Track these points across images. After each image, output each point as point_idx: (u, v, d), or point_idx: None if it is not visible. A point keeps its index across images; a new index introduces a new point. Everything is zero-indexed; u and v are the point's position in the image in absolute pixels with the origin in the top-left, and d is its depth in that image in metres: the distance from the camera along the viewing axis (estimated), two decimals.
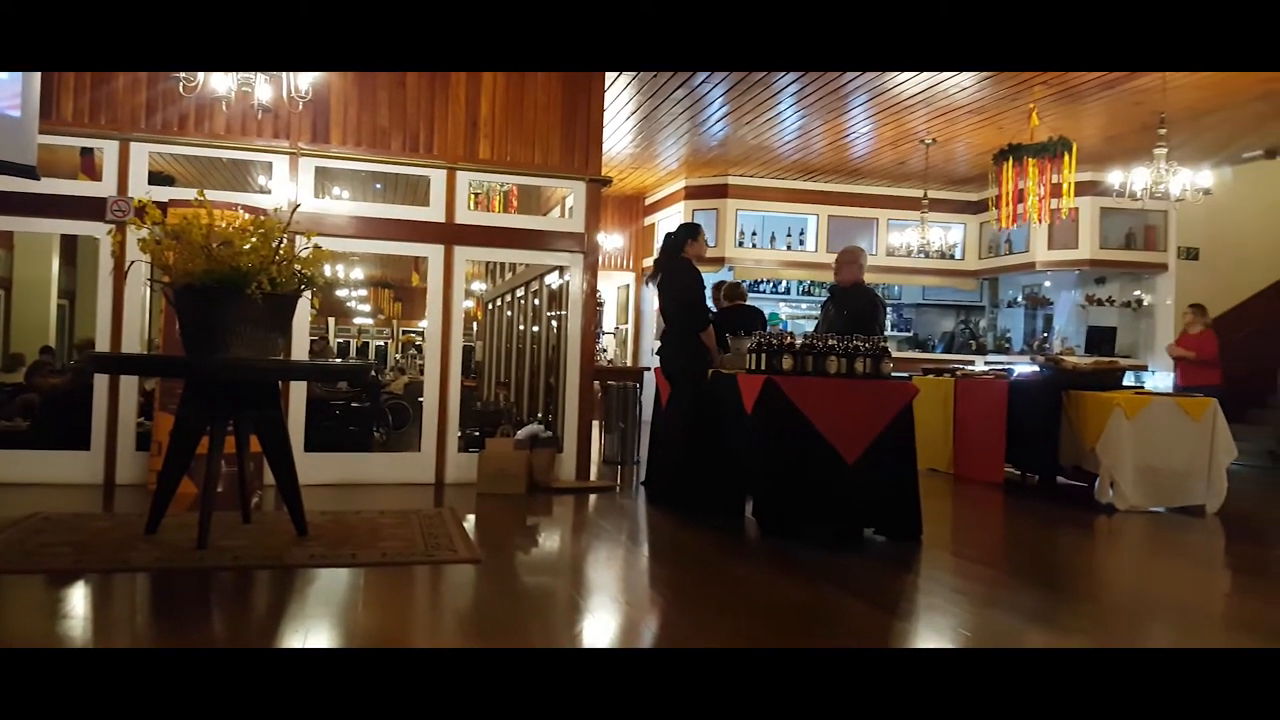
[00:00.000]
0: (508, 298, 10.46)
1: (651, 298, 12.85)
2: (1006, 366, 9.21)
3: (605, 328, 13.10)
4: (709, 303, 6.09)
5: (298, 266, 4.13)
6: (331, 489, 5.78)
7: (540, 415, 7.81)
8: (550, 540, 5.00)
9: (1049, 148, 7.56)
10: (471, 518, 5.19)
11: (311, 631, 3.02)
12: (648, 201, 12.92)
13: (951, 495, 6.93)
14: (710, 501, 5.37)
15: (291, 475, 4.26)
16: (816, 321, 6.47)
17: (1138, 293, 10.75)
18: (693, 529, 5.03)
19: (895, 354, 6.54)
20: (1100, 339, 10.33)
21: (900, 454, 4.83)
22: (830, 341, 4.92)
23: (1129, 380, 7.63)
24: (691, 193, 11.64)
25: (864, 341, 4.92)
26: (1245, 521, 6.14)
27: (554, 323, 7.69)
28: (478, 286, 13.18)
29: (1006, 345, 12.09)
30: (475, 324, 14.37)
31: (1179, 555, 5.20)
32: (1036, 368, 7.47)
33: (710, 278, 7.64)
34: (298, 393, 6.10)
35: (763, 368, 4.95)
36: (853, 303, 5.94)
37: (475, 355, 13.57)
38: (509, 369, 10.17)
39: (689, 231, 5.91)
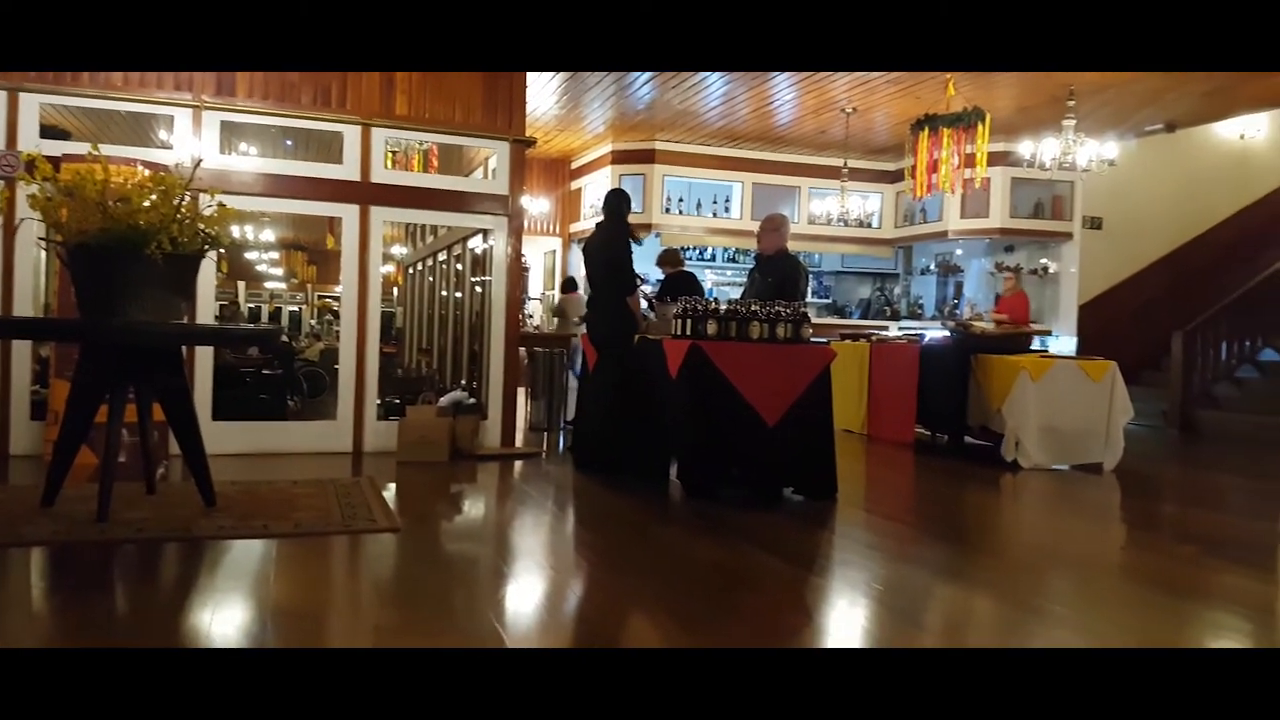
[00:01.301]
0: (429, 262, 10.25)
1: (580, 263, 12.78)
2: (919, 332, 9.46)
3: (531, 293, 12.96)
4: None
5: (201, 226, 3.95)
6: (242, 459, 5.61)
7: (464, 382, 7.71)
8: (474, 507, 4.96)
9: (963, 118, 7.73)
10: (392, 486, 5.10)
11: (221, 606, 2.93)
12: (574, 165, 12.78)
13: (865, 455, 7.13)
14: (636, 466, 5.40)
15: (197, 444, 4.11)
16: (743, 288, 6.53)
17: (1044, 261, 11.14)
18: (618, 493, 5.05)
19: (815, 320, 6.64)
20: None
21: (818, 416, 4.95)
22: (754, 307, 4.99)
23: (1035, 344, 7.93)
24: (619, 157, 11.55)
25: (785, 307, 5.00)
26: (1140, 478, 6.47)
27: (478, 288, 7.57)
28: (398, 250, 12.87)
29: (919, 311, 12.43)
30: (396, 289, 14.05)
31: (1079, 510, 5.45)
32: (947, 333, 7.70)
33: (652, 245, 7.63)
34: (204, 359, 5.87)
35: (688, 333, 4.98)
36: (777, 270, 6.00)
37: (396, 321, 13.29)
38: (431, 335, 9.99)
39: (629, 199, 5.87)
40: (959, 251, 12.02)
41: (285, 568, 3.38)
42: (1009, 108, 9.07)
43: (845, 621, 3.07)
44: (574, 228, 12.83)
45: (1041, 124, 9.11)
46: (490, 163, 7.11)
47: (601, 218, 5.88)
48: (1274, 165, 10.69)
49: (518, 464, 5.98)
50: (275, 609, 2.89)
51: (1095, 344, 9.58)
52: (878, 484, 6.20)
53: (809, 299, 11.91)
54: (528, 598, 3.19)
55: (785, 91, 9.04)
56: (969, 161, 7.84)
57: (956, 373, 6.99)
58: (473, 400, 6.38)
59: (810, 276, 9.61)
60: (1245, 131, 10.79)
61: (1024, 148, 8.23)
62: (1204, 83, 8.06)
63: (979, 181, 8.29)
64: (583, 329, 6.16)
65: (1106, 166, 8.11)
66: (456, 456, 5.92)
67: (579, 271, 12.64)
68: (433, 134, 6.69)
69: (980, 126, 7.61)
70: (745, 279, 6.69)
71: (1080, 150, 7.81)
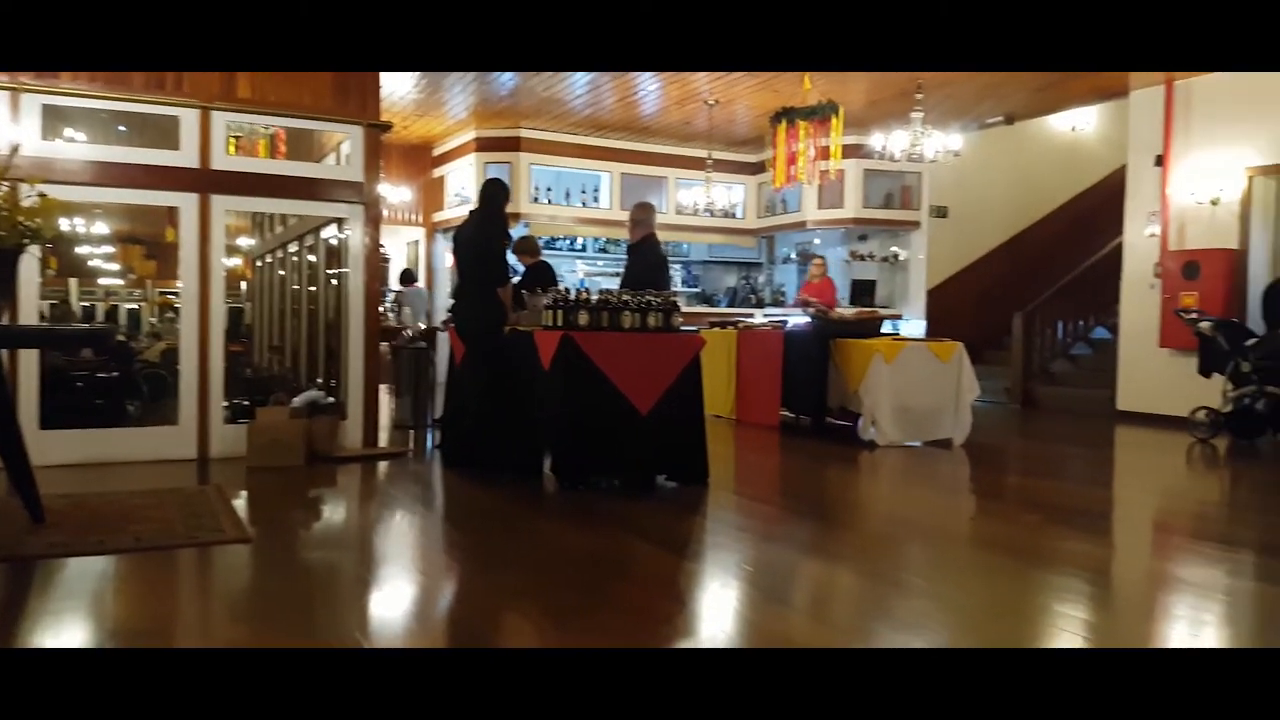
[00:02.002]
0: (280, 254, 9.75)
1: (444, 253, 12.46)
2: (782, 318, 9.74)
3: (394, 285, 12.55)
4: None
5: (20, 218, 3.60)
6: (74, 470, 5.17)
7: (321, 381, 7.38)
8: (334, 513, 4.75)
9: (818, 110, 7.97)
10: (243, 494, 4.82)
11: (54, 630, 2.68)
12: (436, 152, 12.43)
13: (734, 439, 7.28)
14: (508, 461, 5.31)
15: (22, 455, 3.75)
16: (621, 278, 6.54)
17: (895, 249, 11.67)
18: (490, 490, 4.95)
19: (684, 309, 6.73)
20: (862, 291, 11.15)
21: (689, 403, 5.00)
22: (624, 297, 4.99)
23: (887, 328, 8.30)
24: (483, 144, 11.32)
25: (656, 297, 5.03)
26: (987, 451, 6.88)
27: (334, 281, 7.25)
28: (246, 242, 12.19)
29: (782, 299, 12.79)
30: (245, 283, 13.32)
31: (931, 484, 5.74)
32: (808, 319, 7.95)
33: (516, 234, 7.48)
34: (29, 362, 5.38)
35: (560, 324, 4.93)
36: (641, 259, 6.02)
37: (246, 317, 12.59)
38: (284, 332, 9.51)
39: (506, 189, 5.75)
40: (817, 241, 12.43)
41: (125, 586, 3.13)
42: (861, 101, 9.42)
43: (716, 605, 3.11)
44: (437, 217, 12.49)
45: (891, 117, 9.51)
46: (344, 148, 6.81)
47: (474, 205, 5.74)
48: (1102, 156, 11.51)
49: (382, 465, 5.77)
50: (115, 630, 2.67)
51: (943, 326, 10.12)
52: (746, 467, 6.34)
53: (678, 287, 12.10)
54: (393, 604, 3.08)
55: (649, 82, 9.08)
56: (824, 154, 8.10)
57: (817, 357, 7.24)
58: (330, 399, 6.11)
59: (669, 265, 9.72)
60: (1076, 124, 11.58)
61: (875, 140, 8.57)
62: (1037, 78, 8.59)
63: (834, 173, 8.59)
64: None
65: (952, 157, 8.55)
66: (314, 460, 5.65)
67: (446, 261, 12.35)
68: (279, 118, 6.34)
69: (834, 119, 7.86)
70: (616, 269, 6.71)
71: (927, 142, 8.19)
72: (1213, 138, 8.18)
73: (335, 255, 7.20)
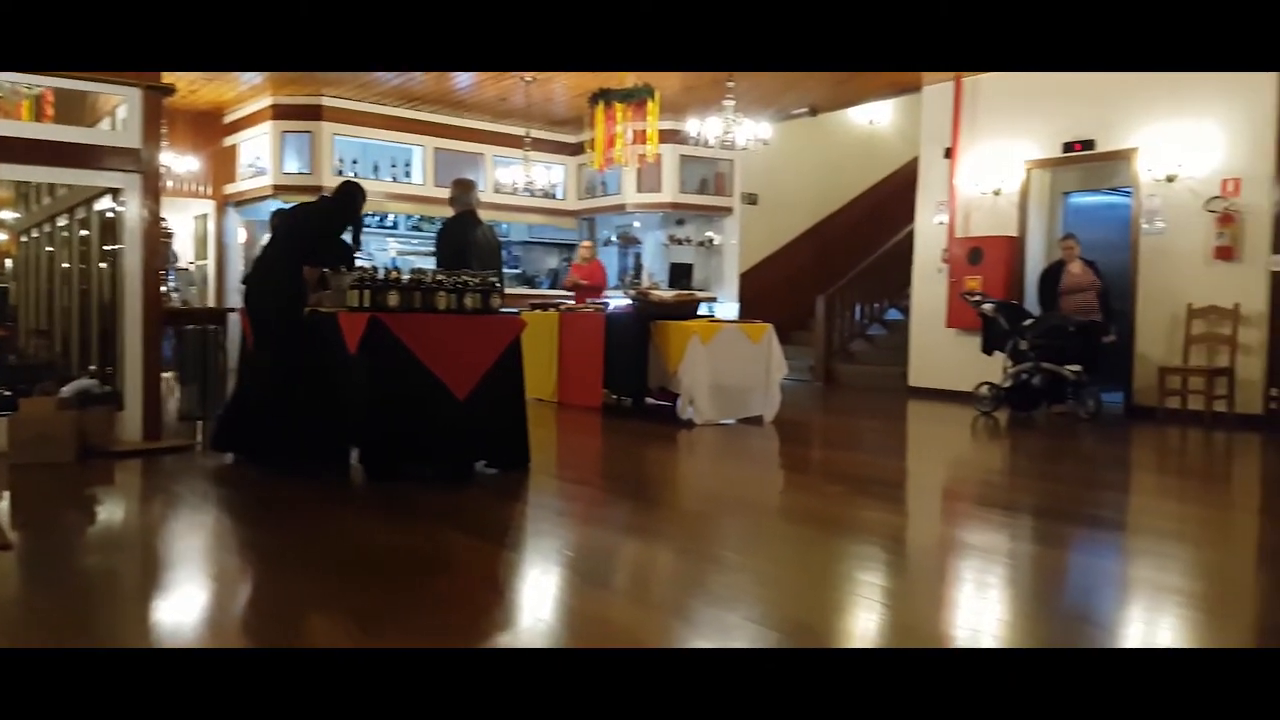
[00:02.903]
0: (47, 228, 8.74)
1: (236, 228, 11.59)
2: (604, 301, 9.78)
3: (180, 263, 11.54)
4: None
5: None
6: None
7: (95, 368, 6.67)
8: (111, 513, 4.30)
9: (635, 93, 8.03)
10: (5, 495, 4.28)
11: None
12: (228, 120, 11.50)
13: (556, 423, 7.24)
14: (311, 451, 4.99)
15: None
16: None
17: (710, 233, 12.00)
18: (290, 483, 4.63)
19: (506, 290, 6.58)
20: (680, 274, 11.39)
21: (509, 387, 4.88)
22: (439, 277, 4.79)
23: (704, 310, 8.50)
24: (281, 112, 10.59)
25: (474, 277, 4.86)
26: (795, 427, 7.21)
27: (110, 258, 6.55)
28: (9, 215, 10.84)
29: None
30: (9, 261, 11.86)
31: (744, 460, 5.95)
32: (629, 301, 8.01)
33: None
34: None
35: (367, 305, 4.67)
36: (445, 238, 5.89)
37: (10, 298, 11.22)
38: (53, 314, 8.54)
39: (364, 194, 5.39)
40: (637, 224, 12.57)
41: None
42: (676, 86, 9.55)
43: (536, 593, 3.06)
44: (229, 189, 11.58)
45: (705, 103, 9.72)
46: (119, 112, 6.15)
47: (327, 194, 5.37)
48: (896, 148, 12.28)
49: (166, 459, 5.28)
50: None
51: (754, 309, 10.52)
52: (568, 450, 6.31)
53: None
54: (178, 612, 2.81)
55: None
56: (642, 138, 8.17)
57: (638, 339, 7.31)
58: (106, 388, 5.53)
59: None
60: (874, 118, 12.31)
61: (691, 126, 8.73)
62: (836, 72, 9.03)
63: (651, 157, 8.69)
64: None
65: (761, 145, 8.85)
66: (87, 455, 5.08)
67: (239, 237, 11.50)
68: (46, 76, 5.63)
69: (651, 103, 7.94)
70: (428, 247, 6.49)
71: (739, 130, 8.43)
72: (996, 132, 8.91)
73: (111, 230, 6.51)
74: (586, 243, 10.21)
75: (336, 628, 2.65)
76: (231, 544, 3.74)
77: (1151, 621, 2.81)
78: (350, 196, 5.30)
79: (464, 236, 6.00)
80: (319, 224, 5.23)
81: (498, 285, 5.06)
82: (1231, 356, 7.22)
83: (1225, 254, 7.33)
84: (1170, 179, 7.64)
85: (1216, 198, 7.38)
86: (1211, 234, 7.40)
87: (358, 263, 5.14)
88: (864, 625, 2.76)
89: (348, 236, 5.30)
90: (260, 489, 4.65)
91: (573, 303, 9.05)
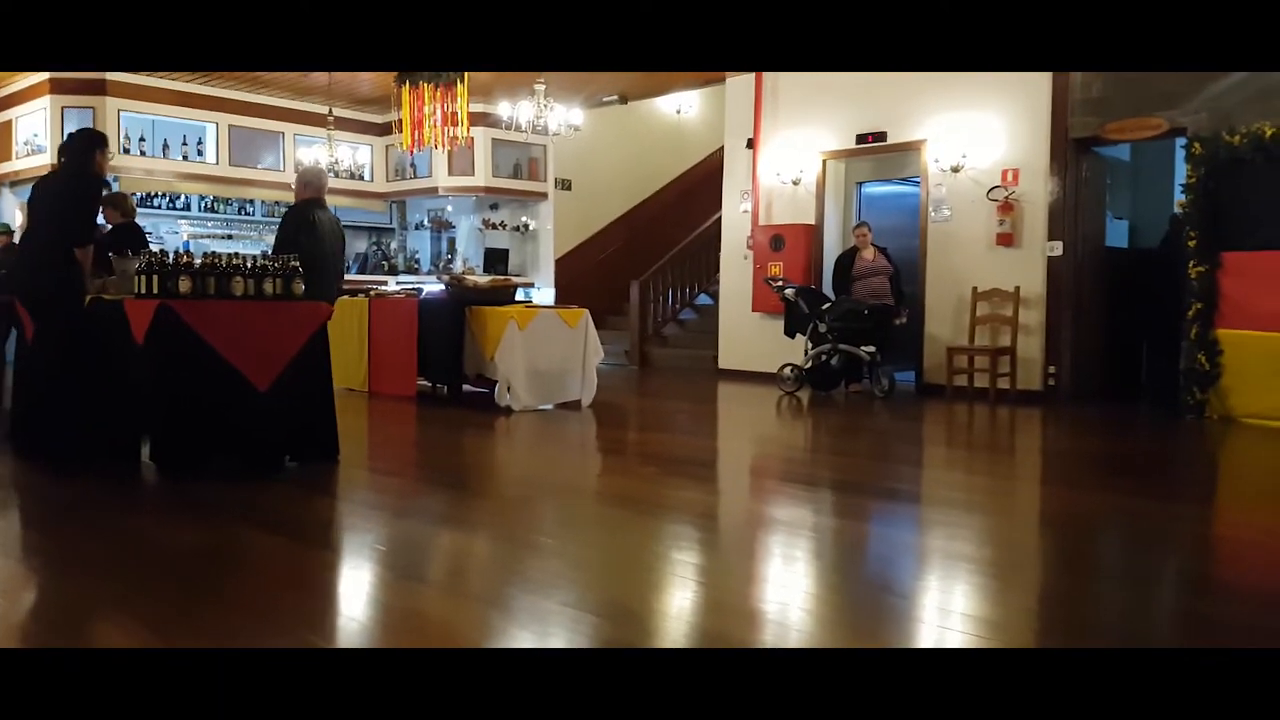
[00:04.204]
0: None
1: (13, 210, 10.40)
2: (417, 286, 9.53)
3: None
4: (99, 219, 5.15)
5: None
6: None
7: None
8: None
9: (442, 75, 7.84)
10: None
11: None
12: (1, 94, 10.30)
13: (368, 412, 7.02)
14: (96, 447, 4.61)
15: None
16: None
17: (525, 218, 11.96)
18: (74, 482, 4.24)
19: None
20: (496, 259, 11.28)
21: (315, 376, 4.69)
22: (235, 262, 4.52)
23: (520, 296, 8.49)
24: (59, 86, 9.59)
25: (274, 261, 4.62)
26: (611, 410, 7.35)
27: None
28: None
29: (416, 266, 12.52)
30: None
31: (561, 445, 6.02)
32: (443, 287, 7.86)
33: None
34: None
35: (155, 291, 4.33)
36: (281, 225, 5.79)
37: None
38: None
39: (99, 140, 4.93)
40: (450, 208, 12.32)
41: None
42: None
43: (348, 590, 2.98)
44: (4, 168, 10.40)
45: (516, 87, 9.64)
46: None
47: (62, 157, 4.88)
48: (703, 138, 12.68)
49: None
50: None
51: (570, 294, 10.59)
52: (381, 440, 6.14)
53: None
54: None
55: None
56: (452, 120, 8.01)
57: (453, 325, 7.19)
58: None
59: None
60: (681, 107, 12.65)
61: (503, 109, 8.65)
62: None
63: (464, 140, 8.54)
64: None
65: (573, 132, 8.90)
66: None
67: (16, 219, 10.32)
68: None
69: (460, 85, 7.80)
70: (227, 230, 6.29)
71: (550, 115, 8.44)
72: (795, 123, 9.39)
73: None
74: None
75: (123, 633, 2.47)
76: (12, 549, 3.38)
77: (947, 589, 2.98)
78: (87, 149, 4.85)
79: (300, 220, 5.79)
80: (74, 202, 4.78)
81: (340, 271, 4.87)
82: (1013, 336, 7.89)
83: (1006, 240, 8.02)
84: (955, 169, 8.26)
85: (997, 187, 8.06)
86: (994, 221, 8.06)
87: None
88: (679, 603, 2.86)
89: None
90: (43, 489, 4.25)
91: (384, 288, 8.78)
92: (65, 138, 5.06)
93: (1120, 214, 9.40)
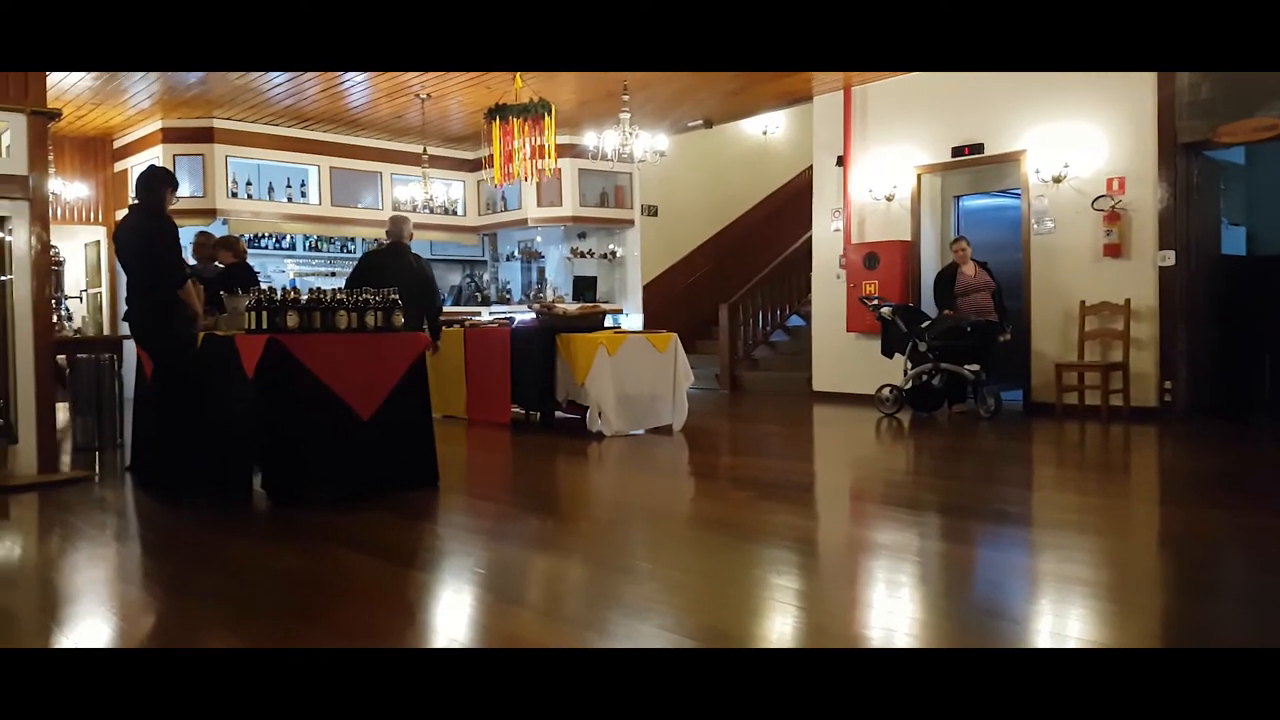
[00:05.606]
0: None
1: None
2: (509, 315, 9.73)
3: (70, 291, 10.96)
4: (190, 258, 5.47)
5: None
6: None
7: None
8: (7, 550, 4.05)
9: (531, 109, 8.02)
10: None
11: None
12: (118, 144, 11.03)
13: (465, 439, 7.17)
14: (211, 479, 4.84)
15: None
16: None
17: (612, 245, 12.09)
18: (192, 512, 4.48)
19: None
20: (584, 287, 11.44)
21: (415, 405, 4.83)
22: (339, 296, 4.72)
23: (609, 322, 8.56)
24: (171, 135, 10.20)
25: (374, 294, 4.80)
26: (703, 434, 7.32)
27: None
28: None
29: (508, 296, 12.79)
30: None
31: (655, 469, 6.01)
32: (534, 315, 8.01)
33: (189, 232, 6.89)
34: None
35: (264, 327, 4.55)
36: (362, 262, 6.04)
37: None
38: None
39: (169, 180, 5.22)
40: (539, 238, 12.55)
41: None
42: (572, 101, 9.60)
43: (447, 614, 3.03)
44: (120, 215, 11.11)
45: (601, 117, 9.80)
46: (4, 138, 5.84)
47: (134, 199, 5.20)
48: (789, 158, 12.61)
49: (63, 492, 5.02)
50: None
51: (658, 319, 10.64)
52: (478, 467, 6.26)
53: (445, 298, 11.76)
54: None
55: (355, 73, 8.66)
56: (540, 152, 8.18)
57: (544, 352, 7.31)
58: None
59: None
60: (767, 128, 12.62)
61: (588, 139, 8.79)
62: (729, 82, 9.21)
63: (550, 171, 8.71)
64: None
65: (659, 158, 8.97)
66: None
67: None
68: None
69: (547, 118, 7.96)
70: (331, 269, 6.58)
71: (636, 143, 8.54)
72: (886, 139, 9.23)
73: None
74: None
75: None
76: (132, 575, 3.59)
77: (1061, 614, 2.85)
78: (153, 188, 5.11)
79: (376, 262, 6.05)
80: (151, 245, 5.05)
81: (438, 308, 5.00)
82: (1125, 351, 7.54)
83: (1113, 251, 7.68)
84: (1058, 180, 7.97)
85: (1103, 196, 7.74)
86: (1100, 232, 7.74)
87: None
88: (779, 628, 2.81)
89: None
90: (161, 518, 4.48)
91: (477, 319, 8.99)
92: (138, 177, 5.34)
93: (1236, 220, 8.91)
